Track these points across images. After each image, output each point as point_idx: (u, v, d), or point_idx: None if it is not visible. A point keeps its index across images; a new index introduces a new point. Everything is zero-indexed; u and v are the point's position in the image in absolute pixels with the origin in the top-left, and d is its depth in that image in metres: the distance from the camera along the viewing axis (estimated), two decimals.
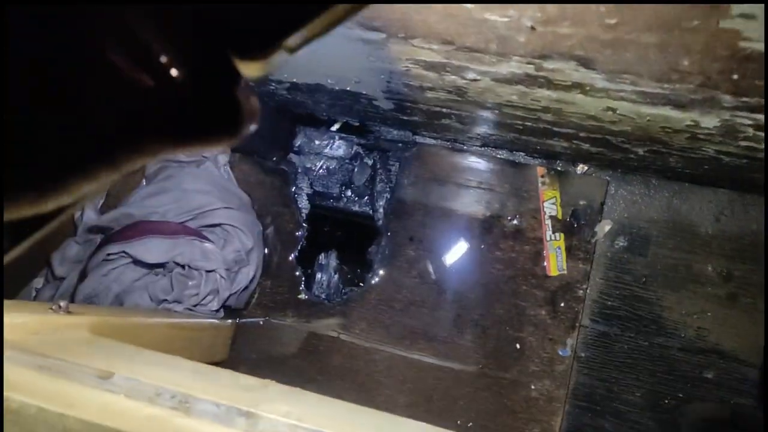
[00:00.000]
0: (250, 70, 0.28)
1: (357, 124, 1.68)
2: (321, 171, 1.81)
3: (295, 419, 0.73)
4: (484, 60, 1.06)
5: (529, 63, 1.03)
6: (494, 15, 0.88)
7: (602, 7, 0.79)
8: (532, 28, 0.88)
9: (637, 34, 0.85)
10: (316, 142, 1.81)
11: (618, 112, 1.17)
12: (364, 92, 1.39)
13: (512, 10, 0.85)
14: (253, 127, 0.30)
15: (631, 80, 1.01)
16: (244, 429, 0.72)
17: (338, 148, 1.81)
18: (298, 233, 1.72)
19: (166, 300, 1.43)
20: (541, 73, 1.06)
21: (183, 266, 1.46)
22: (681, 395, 1.57)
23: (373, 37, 1.06)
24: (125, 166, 0.27)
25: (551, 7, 0.83)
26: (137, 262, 1.46)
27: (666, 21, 0.81)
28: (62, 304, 0.97)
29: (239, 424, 0.73)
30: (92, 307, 1.22)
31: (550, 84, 1.10)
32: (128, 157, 0.27)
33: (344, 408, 0.85)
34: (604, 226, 1.62)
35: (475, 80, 1.16)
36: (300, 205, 1.74)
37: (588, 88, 1.08)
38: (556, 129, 1.37)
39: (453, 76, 1.17)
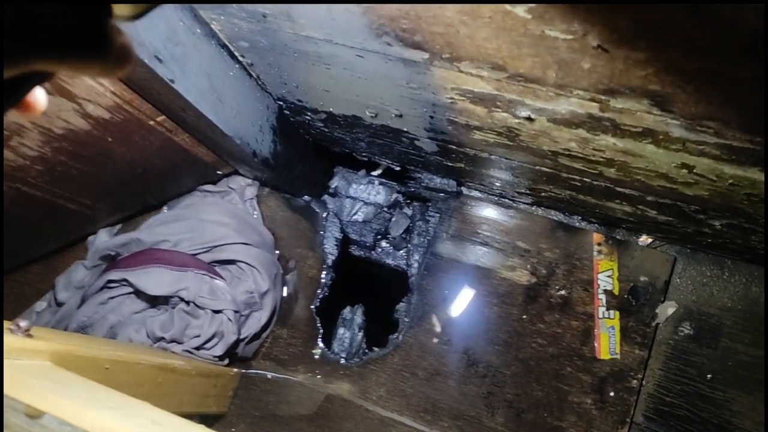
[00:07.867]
0: (120, 9, 0.34)
1: (398, 168, 1.54)
2: (356, 216, 1.66)
3: None
4: (540, 94, 0.91)
5: (592, 100, 0.87)
6: (554, 30, 0.73)
7: (689, 22, 0.63)
8: (600, 48, 0.73)
9: (729, 64, 0.69)
10: (354, 186, 1.68)
11: (695, 171, 0.99)
12: (406, 129, 1.25)
13: (576, 23, 0.70)
14: (128, 68, 0.35)
15: (715, 129, 0.84)
16: None
17: (377, 194, 1.67)
18: (321, 280, 1.56)
19: (163, 338, 1.28)
20: (606, 114, 0.90)
21: (188, 302, 1.32)
22: None
23: (414, 57, 0.92)
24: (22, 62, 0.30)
25: (625, 22, 0.67)
26: (139, 293, 1.33)
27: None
28: (22, 324, 0.84)
29: None
30: (59, 333, 1.09)
31: (616, 129, 0.94)
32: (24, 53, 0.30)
33: None
34: (668, 309, 1.40)
35: (529, 119, 1.01)
36: (327, 250, 1.58)
37: (662, 137, 0.91)
38: (619, 189, 1.19)
39: (504, 114, 1.02)
